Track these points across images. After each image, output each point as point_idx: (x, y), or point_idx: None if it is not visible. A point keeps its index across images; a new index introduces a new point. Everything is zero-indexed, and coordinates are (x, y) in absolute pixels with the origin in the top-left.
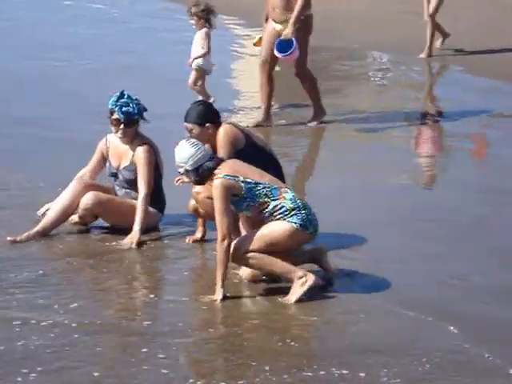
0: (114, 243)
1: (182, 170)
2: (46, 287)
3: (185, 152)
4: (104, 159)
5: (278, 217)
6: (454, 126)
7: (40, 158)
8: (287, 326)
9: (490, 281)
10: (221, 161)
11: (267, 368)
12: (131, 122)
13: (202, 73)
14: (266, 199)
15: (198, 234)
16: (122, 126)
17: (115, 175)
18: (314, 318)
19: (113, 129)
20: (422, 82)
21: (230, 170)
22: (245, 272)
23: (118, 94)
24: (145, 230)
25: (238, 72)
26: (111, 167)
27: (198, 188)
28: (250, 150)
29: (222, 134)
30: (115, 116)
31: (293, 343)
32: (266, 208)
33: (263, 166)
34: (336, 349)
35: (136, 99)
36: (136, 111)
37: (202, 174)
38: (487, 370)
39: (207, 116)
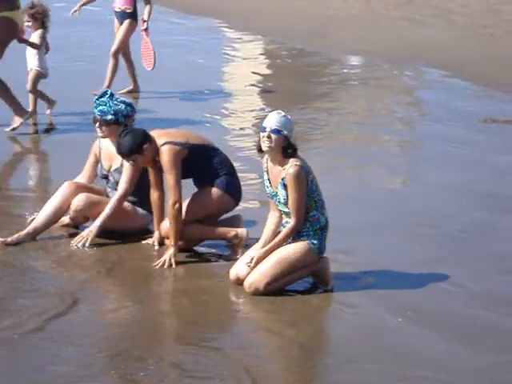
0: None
1: (282, 133)
2: None
3: (291, 123)
4: (97, 161)
5: (306, 228)
6: (445, 130)
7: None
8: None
9: (486, 286)
10: (296, 151)
11: None
12: (106, 122)
13: (39, 75)
14: (312, 205)
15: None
16: (97, 123)
17: (106, 177)
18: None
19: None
20: (414, 86)
21: (306, 164)
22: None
23: (100, 93)
24: (135, 232)
25: (230, 75)
26: (102, 169)
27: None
28: (192, 152)
29: (166, 157)
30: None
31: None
32: (308, 212)
33: (212, 160)
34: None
35: (121, 101)
36: (111, 111)
37: (286, 147)
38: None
39: (138, 141)
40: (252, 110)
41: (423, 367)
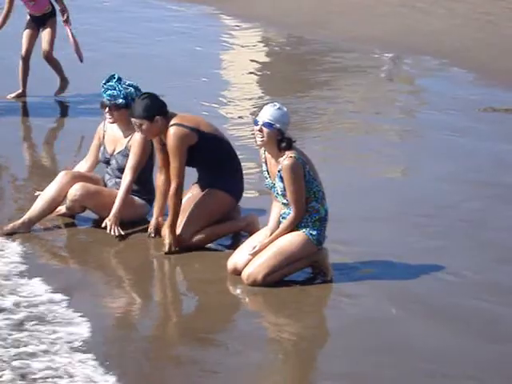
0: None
1: (275, 126)
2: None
3: (285, 116)
4: (101, 144)
5: (305, 219)
6: (444, 119)
7: None
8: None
9: (483, 276)
10: (293, 142)
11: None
12: (117, 106)
13: None
14: (311, 196)
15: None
16: (107, 109)
17: (108, 162)
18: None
19: (102, 113)
20: (415, 75)
21: (303, 155)
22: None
23: (107, 77)
24: (131, 222)
25: (228, 63)
26: (105, 152)
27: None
28: (203, 141)
29: (172, 139)
30: (103, 99)
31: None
32: (307, 203)
33: (220, 157)
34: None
35: (129, 84)
36: (121, 95)
37: (286, 139)
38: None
39: (155, 109)
40: (250, 99)
41: (423, 359)
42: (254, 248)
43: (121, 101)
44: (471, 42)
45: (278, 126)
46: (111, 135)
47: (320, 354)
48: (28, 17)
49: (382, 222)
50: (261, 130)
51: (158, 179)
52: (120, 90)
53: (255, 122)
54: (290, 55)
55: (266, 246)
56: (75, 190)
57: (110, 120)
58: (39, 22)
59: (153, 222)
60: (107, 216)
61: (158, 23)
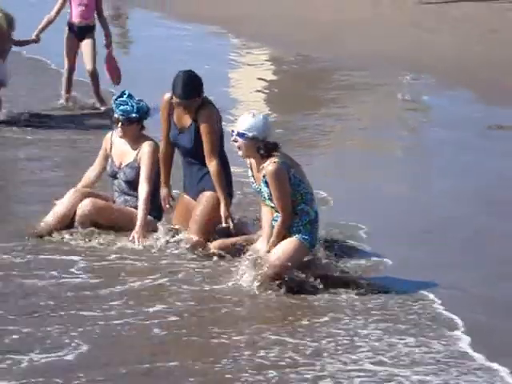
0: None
1: (248, 136)
2: None
3: (260, 122)
4: (108, 156)
5: (296, 223)
6: (451, 136)
7: None
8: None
9: (489, 291)
10: (277, 147)
11: None
12: (129, 121)
13: None
14: (299, 198)
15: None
16: (119, 124)
17: (115, 175)
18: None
19: (114, 127)
20: (422, 92)
21: (289, 160)
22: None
23: (118, 93)
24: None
25: (236, 81)
26: (113, 165)
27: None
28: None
29: (208, 120)
30: (115, 114)
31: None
32: (295, 206)
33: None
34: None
35: (138, 99)
36: (134, 110)
37: (264, 150)
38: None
39: (201, 86)
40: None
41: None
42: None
43: (134, 115)
44: (478, 60)
45: (250, 134)
46: (118, 148)
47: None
48: (67, 31)
49: (388, 236)
50: (235, 141)
51: (165, 149)
52: (132, 105)
53: (231, 134)
54: (298, 73)
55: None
56: (84, 206)
57: (121, 134)
58: (80, 33)
59: (164, 192)
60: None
61: (164, 42)
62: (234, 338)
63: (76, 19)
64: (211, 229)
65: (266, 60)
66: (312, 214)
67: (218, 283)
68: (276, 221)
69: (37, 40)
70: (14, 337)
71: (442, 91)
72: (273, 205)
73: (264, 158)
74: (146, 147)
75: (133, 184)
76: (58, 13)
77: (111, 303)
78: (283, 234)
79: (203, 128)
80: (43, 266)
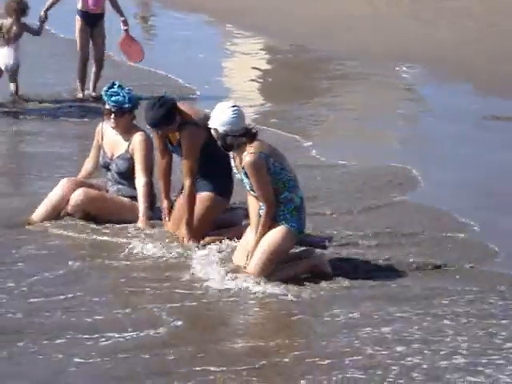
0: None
1: (211, 128)
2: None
3: (225, 117)
4: (100, 146)
5: (281, 211)
6: (447, 127)
7: None
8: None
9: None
10: (254, 136)
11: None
12: (122, 111)
13: None
14: (281, 186)
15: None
16: (112, 115)
17: (107, 166)
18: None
19: (105, 119)
20: (415, 83)
21: (266, 149)
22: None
23: (108, 84)
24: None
25: (230, 70)
26: (105, 156)
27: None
28: (208, 138)
29: (188, 141)
30: (106, 106)
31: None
32: (278, 195)
33: (221, 155)
34: None
35: (129, 89)
36: (126, 100)
37: (229, 144)
38: None
39: (172, 114)
40: (252, 106)
41: None
42: (247, 258)
43: (127, 105)
44: (473, 52)
45: (222, 129)
46: (110, 139)
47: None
48: (78, 20)
49: (384, 230)
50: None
51: (160, 165)
52: (124, 96)
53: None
54: (292, 63)
55: (254, 249)
56: (77, 196)
57: (113, 125)
58: (91, 21)
59: (165, 206)
60: (110, 221)
61: (162, 31)
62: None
63: (90, 7)
64: (205, 229)
65: (261, 49)
66: (297, 200)
67: None
68: (263, 209)
69: (44, 18)
70: (98, 317)
71: (437, 82)
72: (255, 195)
73: (242, 147)
74: (137, 137)
75: (125, 174)
76: None
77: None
78: (269, 224)
79: (183, 147)
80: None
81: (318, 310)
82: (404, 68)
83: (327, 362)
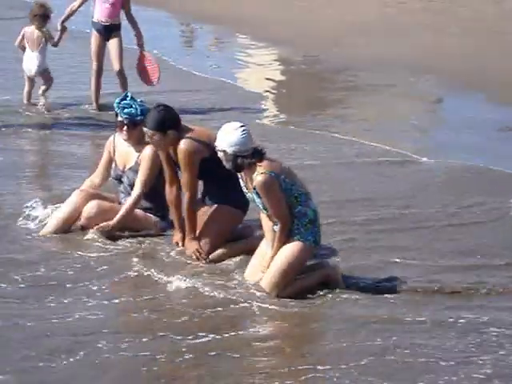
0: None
1: (219, 149)
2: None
3: (234, 138)
4: (111, 159)
5: (296, 225)
6: (462, 138)
7: None
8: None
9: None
10: (263, 155)
11: None
12: (134, 124)
13: None
14: (294, 201)
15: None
16: (125, 127)
17: (120, 178)
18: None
19: (118, 131)
20: (430, 93)
21: (275, 167)
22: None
23: (121, 96)
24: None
25: (244, 81)
26: (117, 169)
27: None
28: (215, 157)
29: (183, 153)
30: (119, 118)
31: None
32: (292, 209)
33: (228, 170)
34: None
35: (141, 101)
36: (139, 112)
37: (240, 165)
38: None
39: (169, 122)
40: (266, 117)
41: None
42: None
43: (139, 118)
44: (487, 62)
45: (231, 150)
46: (122, 151)
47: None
48: (94, 32)
49: (396, 243)
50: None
51: (169, 193)
52: (136, 108)
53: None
54: (305, 74)
55: (269, 265)
56: (90, 208)
57: (126, 137)
58: (106, 32)
59: (177, 236)
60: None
61: (173, 40)
62: None
63: (101, 18)
64: (219, 242)
65: (274, 60)
66: (310, 213)
67: None
68: (277, 225)
69: (62, 30)
70: None
71: (450, 92)
72: (269, 213)
73: (251, 167)
74: (146, 150)
75: None
76: (81, 4)
77: None
78: (284, 240)
79: (180, 161)
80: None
81: None
82: (419, 79)
83: None
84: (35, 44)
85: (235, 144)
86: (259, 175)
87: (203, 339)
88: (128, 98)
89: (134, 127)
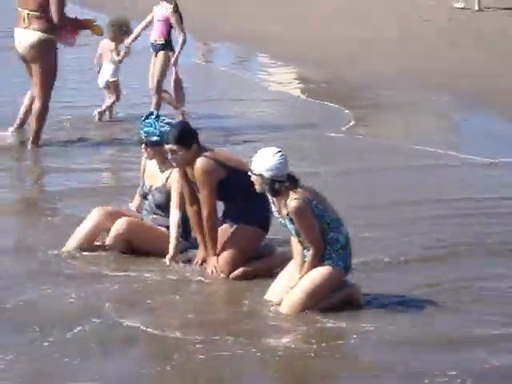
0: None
1: (255, 173)
2: None
3: (271, 163)
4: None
5: (328, 250)
6: (483, 155)
7: None
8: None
9: None
10: (297, 181)
11: None
12: (151, 143)
13: None
14: (326, 227)
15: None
16: (143, 145)
17: (146, 196)
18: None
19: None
20: (451, 112)
21: (309, 193)
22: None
23: (147, 113)
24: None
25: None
26: (144, 187)
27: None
28: (232, 177)
29: (200, 171)
30: (141, 135)
31: None
32: (325, 235)
33: (248, 190)
34: None
35: (166, 122)
36: (157, 133)
37: (277, 189)
38: None
39: (193, 136)
40: (286, 138)
41: None
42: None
43: (155, 138)
44: (506, 81)
45: (268, 175)
46: (150, 170)
47: None
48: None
49: (412, 258)
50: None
51: (190, 211)
52: (156, 128)
53: (251, 171)
54: (326, 92)
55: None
56: (120, 225)
57: (146, 155)
58: (155, 50)
59: (200, 254)
60: (149, 251)
61: (188, 59)
62: None
63: (151, 37)
64: (241, 261)
65: (294, 79)
66: (342, 239)
67: None
68: (307, 249)
69: (127, 50)
70: None
71: (471, 110)
72: (300, 239)
73: (285, 194)
74: (175, 172)
75: (161, 206)
76: (143, 28)
77: None
78: (316, 265)
79: (196, 180)
80: None
81: None
82: (439, 96)
83: None
84: (108, 57)
85: (272, 169)
86: (293, 201)
87: None
88: (152, 117)
89: (150, 146)
